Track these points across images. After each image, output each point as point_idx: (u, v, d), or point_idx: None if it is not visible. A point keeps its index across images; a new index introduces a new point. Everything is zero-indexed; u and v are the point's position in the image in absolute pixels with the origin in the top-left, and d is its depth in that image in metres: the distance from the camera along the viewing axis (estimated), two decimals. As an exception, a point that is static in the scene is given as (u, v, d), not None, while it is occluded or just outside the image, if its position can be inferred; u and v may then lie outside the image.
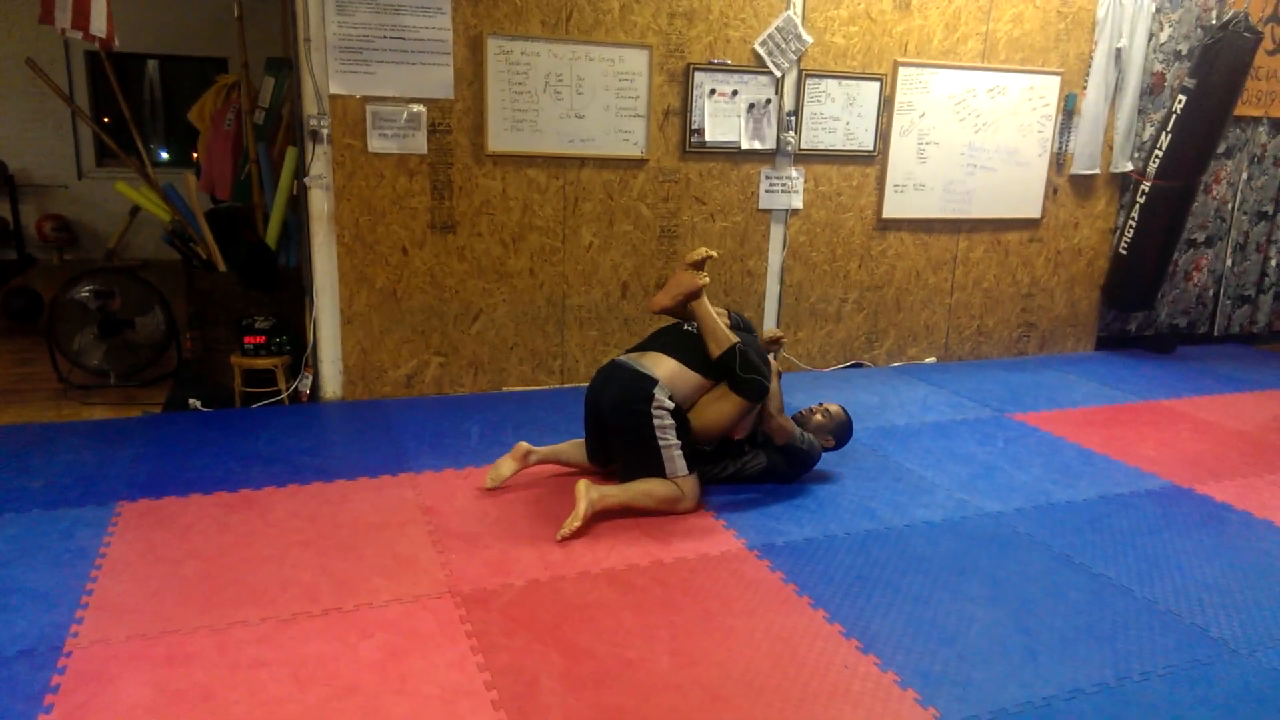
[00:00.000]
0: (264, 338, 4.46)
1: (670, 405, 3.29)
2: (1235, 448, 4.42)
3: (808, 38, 4.98)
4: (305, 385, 4.57)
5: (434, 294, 4.64)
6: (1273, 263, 6.70)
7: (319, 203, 4.39)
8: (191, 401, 4.43)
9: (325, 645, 2.46)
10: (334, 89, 4.27)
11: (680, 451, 3.31)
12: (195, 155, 5.63)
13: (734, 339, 3.39)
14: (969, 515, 3.51)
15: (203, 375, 4.80)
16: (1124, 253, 5.97)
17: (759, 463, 3.64)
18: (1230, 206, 6.46)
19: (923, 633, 2.66)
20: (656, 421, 3.26)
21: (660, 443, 3.27)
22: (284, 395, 4.52)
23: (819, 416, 3.81)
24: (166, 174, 5.72)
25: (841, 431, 3.84)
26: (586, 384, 4.96)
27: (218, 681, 2.29)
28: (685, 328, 3.59)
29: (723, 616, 2.70)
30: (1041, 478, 3.92)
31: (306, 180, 4.35)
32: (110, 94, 7.21)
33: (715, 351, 3.38)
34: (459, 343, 4.75)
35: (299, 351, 4.60)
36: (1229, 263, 6.58)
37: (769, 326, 3.89)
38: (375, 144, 4.38)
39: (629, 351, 3.60)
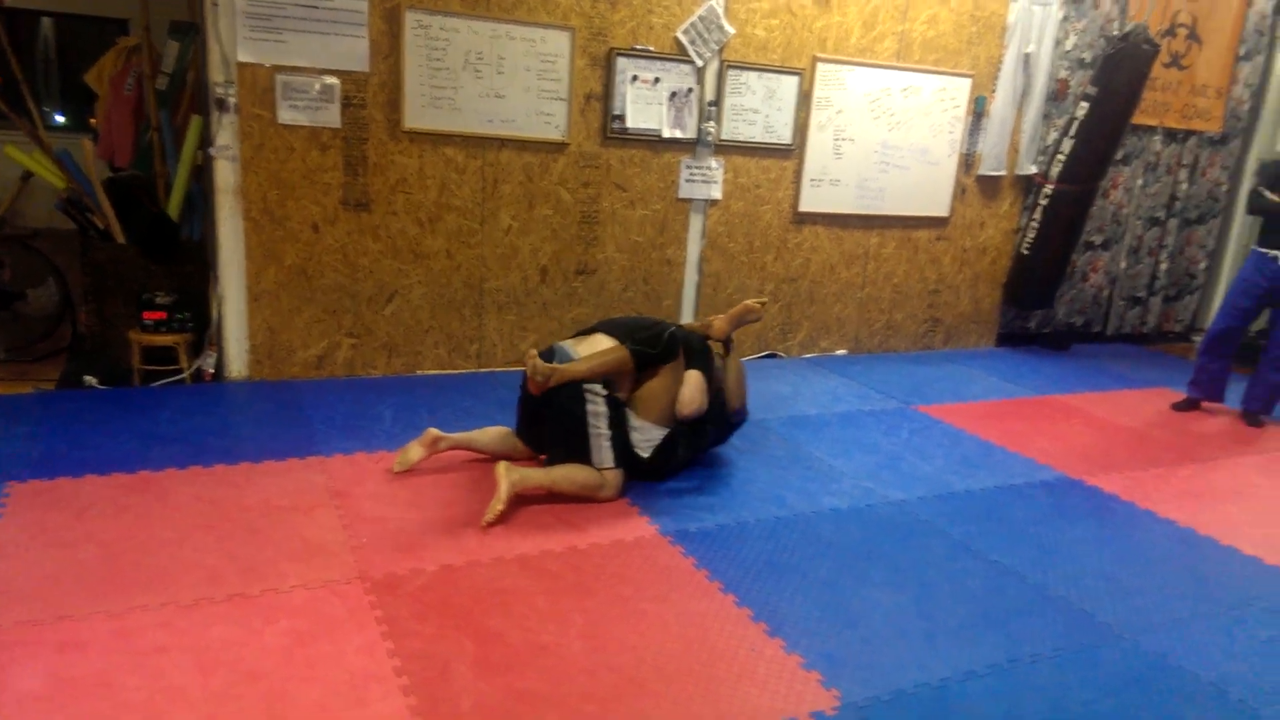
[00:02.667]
0: (165, 313, 4.29)
1: (603, 393, 3.30)
2: (1123, 442, 4.66)
3: (729, 28, 5.02)
4: (209, 364, 4.42)
5: (346, 273, 4.53)
6: (1163, 266, 7.07)
7: (225, 174, 4.24)
8: (87, 379, 4.24)
9: (229, 631, 2.40)
10: (242, 57, 4.12)
11: (609, 443, 3.32)
12: (93, 120, 5.37)
13: (621, 349, 3.38)
14: (874, 503, 3.62)
15: (99, 351, 4.59)
16: (1025, 253, 6.21)
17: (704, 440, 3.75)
18: (1125, 211, 6.78)
19: (828, 617, 2.74)
20: (589, 408, 3.27)
21: (591, 430, 3.28)
22: (186, 374, 4.36)
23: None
24: (62, 139, 5.42)
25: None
26: (504, 369, 4.95)
27: (115, 668, 2.21)
28: (635, 316, 3.62)
29: (636, 601, 2.73)
30: (943, 468, 4.07)
31: (212, 150, 4.19)
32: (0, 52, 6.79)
33: (628, 363, 3.40)
34: (372, 324, 4.66)
35: (202, 328, 4.44)
36: (1123, 265, 6.92)
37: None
38: (285, 115, 4.24)
39: (575, 335, 3.62)
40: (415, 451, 3.50)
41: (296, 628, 2.44)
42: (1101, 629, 2.82)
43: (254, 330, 4.44)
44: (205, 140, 4.26)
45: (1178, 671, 2.61)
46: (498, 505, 3.09)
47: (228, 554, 2.79)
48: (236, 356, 4.45)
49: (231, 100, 4.15)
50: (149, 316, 4.28)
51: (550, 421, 3.39)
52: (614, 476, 3.36)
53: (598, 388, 3.30)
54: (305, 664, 2.29)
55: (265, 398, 4.27)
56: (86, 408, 3.94)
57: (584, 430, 3.28)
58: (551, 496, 3.31)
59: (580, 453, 3.31)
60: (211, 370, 4.43)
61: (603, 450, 3.32)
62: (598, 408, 3.30)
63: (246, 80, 4.16)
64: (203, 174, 4.41)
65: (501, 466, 3.19)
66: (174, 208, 4.59)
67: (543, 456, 3.58)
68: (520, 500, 3.25)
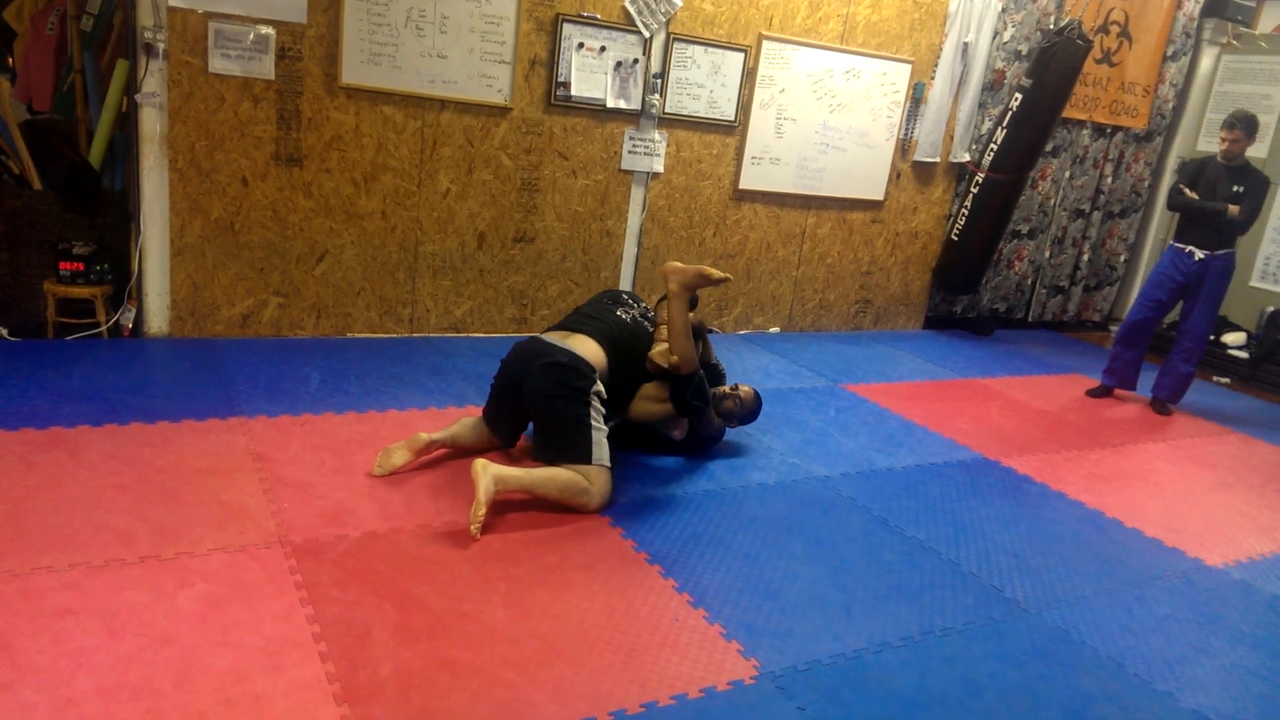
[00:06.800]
0: (82, 265, 4.13)
1: (605, 395, 3.23)
2: (1038, 425, 4.82)
3: (678, 0, 4.99)
4: (128, 318, 4.27)
5: (276, 230, 4.42)
6: (1085, 257, 7.29)
7: (151, 123, 4.09)
8: (-5, 329, 4.07)
9: (140, 594, 2.34)
10: (173, 1, 3.96)
11: (606, 438, 3.16)
12: (11, 59, 5.11)
13: (696, 366, 3.43)
14: (799, 478, 3.69)
15: (11, 302, 4.40)
16: (955, 239, 6.34)
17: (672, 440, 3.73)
18: (1052, 203, 6.96)
19: (750, 588, 2.79)
20: (592, 410, 3.13)
21: (593, 425, 3.12)
22: (103, 328, 4.21)
23: (729, 403, 3.81)
24: (-28, 76, 5.16)
25: (746, 415, 3.88)
26: (437, 334, 4.90)
27: (18, 630, 2.14)
28: (619, 313, 3.49)
29: (562, 570, 2.74)
30: (866, 445, 4.16)
31: (138, 97, 4.03)
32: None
33: (678, 367, 3.41)
34: (301, 283, 4.56)
35: (122, 281, 4.29)
36: (1047, 255, 7.12)
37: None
38: (217, 64, 4.10)
39: (551, 329, 3.43)
40: (400, 455, 3.23)
41: (211, 592, 2.39)
42: (1009, 604, 2.93)
43: (176, 285, 4.31)
44: (131, 86, 4.09)
45: (1080, 646, 2.74)
46: (479, 510, 2.82)
47: (141, 515, 2.72)
48: (157, 312, 4.32)
49: (160, 46, 3.99)
50: (65, 267, 4.11)
51: (545, 417, 3.19)
52: (601, 481, 3.12)
53: (604, 392, 3.21)
54: (219, 629, 2.25)
55: (186, 355, 4.15)
56: (-5, 360, 3.78)
57: (584, 427, 3.11)
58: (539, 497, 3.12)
59: (575, 448, 3.10)
60: (130, 325, 4.28)
61: (602, 445, 3.13)
62: (600, 407, 3.17)
63: (177, 25, 4.00)
64: (127, 121, 4.24)
65: (479, 465, 2.91)
66: (95, 155, 4.40)
67: (511, 450, 3.48)
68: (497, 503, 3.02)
